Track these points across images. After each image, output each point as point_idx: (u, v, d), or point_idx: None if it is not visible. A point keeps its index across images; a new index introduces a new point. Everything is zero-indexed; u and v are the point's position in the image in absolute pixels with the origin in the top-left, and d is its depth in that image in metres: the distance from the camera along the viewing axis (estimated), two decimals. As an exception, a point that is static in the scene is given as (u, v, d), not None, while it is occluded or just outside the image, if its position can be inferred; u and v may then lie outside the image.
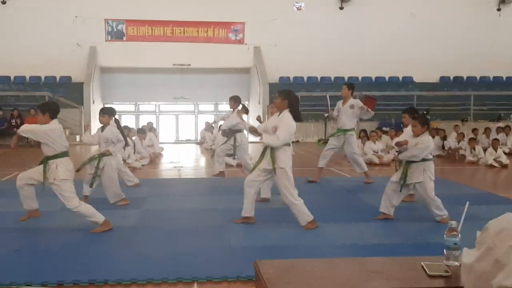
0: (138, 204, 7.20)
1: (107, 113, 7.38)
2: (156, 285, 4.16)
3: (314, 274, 2.03)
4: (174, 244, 5.22)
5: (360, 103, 8.87)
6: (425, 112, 15.74)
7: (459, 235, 2.12)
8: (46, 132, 5.61)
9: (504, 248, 1.56)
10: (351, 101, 8.91)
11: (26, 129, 5.69)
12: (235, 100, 9.58)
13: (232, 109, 9.57)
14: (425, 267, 2.06)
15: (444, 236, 2.17)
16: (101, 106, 20.66)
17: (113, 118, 7.38)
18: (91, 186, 7.09)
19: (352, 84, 9.19)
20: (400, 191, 6.06)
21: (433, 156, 6.95)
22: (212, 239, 5.41)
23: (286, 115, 5.72)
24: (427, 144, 5.96)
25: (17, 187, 5.95)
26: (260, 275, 2.02)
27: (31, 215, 6.13)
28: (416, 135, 6.02)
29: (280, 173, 5.67)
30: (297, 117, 5.81)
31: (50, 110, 5.74)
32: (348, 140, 8.94)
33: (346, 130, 8.92)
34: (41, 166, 5.72)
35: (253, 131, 6.06)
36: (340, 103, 9.09)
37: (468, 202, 2.52)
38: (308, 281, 1.96)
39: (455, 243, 2.05)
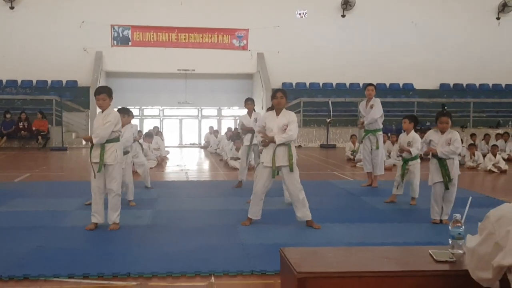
0: (150, 205, 7.47)
1: (127, 113, 7.65)
2: (175, 278, 4.43)
3: (335, 259, 2.31)
4: (189, 241, 5.49)
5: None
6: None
7: (463, 226, 2.40)
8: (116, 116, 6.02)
9: (503, 232, 1.84)
10: (373, 100, 9.21)
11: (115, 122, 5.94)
12: (253, 102, 9.67)
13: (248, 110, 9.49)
14: (432, 254, 2.35)
15: (449, 227, 2.46)
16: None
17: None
18: None
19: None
20: (447, 188, 6.19)
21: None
22: (225, 237, 5.69)
23: (290, 111, 6.17)
24: (458, 137, 6.20)
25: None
26: (287, 260, 2.29)
27: None
28: (445, 130, 6.19)
29: (295, 168, 5.98)
30: None
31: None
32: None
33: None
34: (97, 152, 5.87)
35: (271, 141, 6.01)
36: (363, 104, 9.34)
37: (470, 197, 2.80)
38: (330, 265, 2.23)
39: (459, 233, 2.33)
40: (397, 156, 9.47)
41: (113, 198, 5.95)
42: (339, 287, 2.10)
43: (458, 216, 2.48)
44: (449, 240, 2.44)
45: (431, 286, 2.15)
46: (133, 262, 4.75)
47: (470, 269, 2.03)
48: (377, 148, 9.05)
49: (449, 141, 6.13)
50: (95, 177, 5.89)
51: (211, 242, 5.46)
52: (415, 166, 7.58)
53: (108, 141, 5.85)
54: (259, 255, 4.93)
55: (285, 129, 5.93)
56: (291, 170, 5.94)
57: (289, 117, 5.99)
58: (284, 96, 6.09)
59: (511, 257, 1.82)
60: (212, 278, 4.44)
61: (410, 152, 7.41)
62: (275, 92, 6.18)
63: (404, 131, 7.72)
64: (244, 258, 4.91)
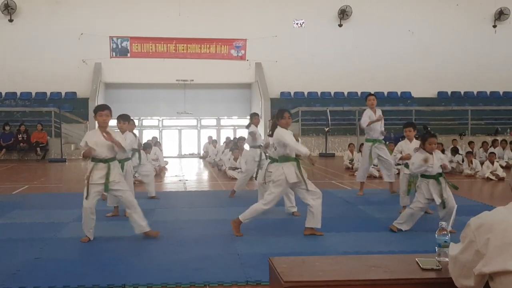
0: (147, 216, 7.41)
1: (127, 119, 7.70)
2: (170, 289, 4.44)
3: (322, 268, 2.33)
4: (185, 251, 5.51)
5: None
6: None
7: (449, 234, 2.43)
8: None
9: (483, 240, 1.87)
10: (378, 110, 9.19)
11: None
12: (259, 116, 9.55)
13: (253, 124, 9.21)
14: (419, 262, 2.37)
15: (436, 235, 2.48)
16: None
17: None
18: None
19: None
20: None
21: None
22: (221, 247, 5.70)
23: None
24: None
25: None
26: (274, 269, 2.32)
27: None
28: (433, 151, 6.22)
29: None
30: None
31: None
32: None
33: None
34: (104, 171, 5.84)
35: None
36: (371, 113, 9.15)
37: (456, 206, 2.83)
38: (317, 274, 2.26)
39: (445, 241, 2.35)
40: (397, 165, 9.41)
41: (136, 209, 5.97)
42: (325, 295, 2.13)
43: (444, 224, 2.51)
44: (436, 248, 2.47)
45: (416, 294, 2.18)
46: (128, 272, 4.77)
47: (454, 277, 2.05)
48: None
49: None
50: (86, 198, 5.82)
51: (207, 252, 5.47)
52: None
53: (112, 160, 5.90)
54: (254, 265, 4.94)
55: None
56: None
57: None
58: (291, 116, 6.27)
59: (491, 264, 1.85)
60: (207, 288, 4.46)
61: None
62: (282, 112, 6.16)
63: (405, 139, 7.72)
64: (239, 268, 4.92)
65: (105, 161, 5.81)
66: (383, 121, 9.15)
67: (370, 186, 10.84)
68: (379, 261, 2.41)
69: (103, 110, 5.92)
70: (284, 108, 6.39)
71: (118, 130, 7.51)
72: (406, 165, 7.47)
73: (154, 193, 8.99)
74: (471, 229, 1.94)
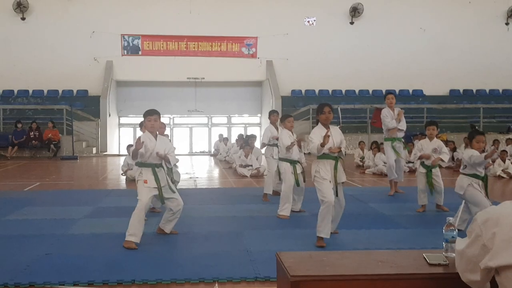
0: (157, 213, 7.51)
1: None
2: (179, 285, 4.46)
3: (329, 263, 2.33)
4: (195, 248, 5.53)
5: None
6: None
7: (456, 230, 2.42)
8: None
9: (489, 234, 1.86)
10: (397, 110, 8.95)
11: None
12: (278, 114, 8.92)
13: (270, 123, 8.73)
14: (426, 257, 2.37)
15: (443, 230, 2.47)
16: (117, 119, 21.30)
17: None
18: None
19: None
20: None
21: (444, 167, 7.25)
22: (231, 244, 5.71)
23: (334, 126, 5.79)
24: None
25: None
26: (282, 264, 2.32)
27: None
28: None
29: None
30: None
31: None
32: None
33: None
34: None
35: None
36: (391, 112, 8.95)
37: (464, 201, 2.82)
38: (324, 268, 2.25)
39: (453, 237, 2.34)
40: (412, 163, 9.29)
41: (179, 214, 5.96)
42: (332, 289, 2.13)
43: (451, 219, 2.50)
44: (443, 243, 2.46)
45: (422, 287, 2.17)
46: (138, 269, 4.79)
47: (460, 272, 2.05)
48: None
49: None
50: (147, 199, 5.61)
51: (217, 248, 5.49)
52: (438, 172, 7.50)
53: (160, 166, 5.70)
54: (263, 262, 4.94)
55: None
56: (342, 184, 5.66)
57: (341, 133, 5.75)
58: (332, 111, 5.69)
59: (497, 258, 1.84)
60: (216, 284, 4.46)
61: (442, 160, 7.32)
62: (322, 106, 5.68)
63: (425, 138, 7.61)
64: (248, 264, 4.92)
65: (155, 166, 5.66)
66: (403, 119, 8.93)
67: (380, 183, 10.82)
68: (387, 256, 2.40)
69: (151, 115, 5.65)
70: (326, 102, 5.87)
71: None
72: (423, 164, 7.44)
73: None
74: (478, 223, 1.94)
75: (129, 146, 8.62)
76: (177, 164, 7.44)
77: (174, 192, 5.78)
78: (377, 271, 2.22)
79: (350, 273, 2.20)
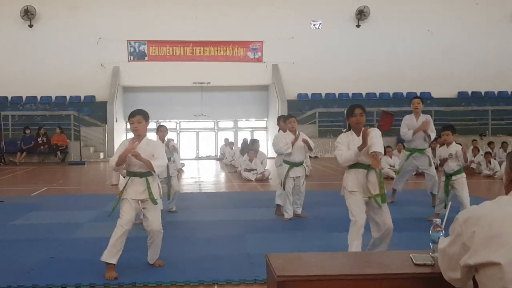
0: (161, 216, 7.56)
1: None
2: (179, 287, 4.50)
3: (317, 264, 2.36)
4: (196, 251, 5.57)
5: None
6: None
7: (443, 231, 2.44)
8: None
9: (469, 233, 1.90)
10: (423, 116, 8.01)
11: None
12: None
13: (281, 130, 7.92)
14: (412, 258, 2.39)
15: (430, 231, 2.50)
16: (124, 124, 21.41)
17: None
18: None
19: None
20: None
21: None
22: (231, 247, 5.75)
23: (374, 128, 4.94)
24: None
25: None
26: (270, 265, 2.35)
27: None
28: None
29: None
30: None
31: None
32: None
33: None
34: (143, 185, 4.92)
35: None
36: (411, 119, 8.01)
37: (450, 202, 2.84)
38: (311, 269, 2.28)
39: (439, 237, 2.36)
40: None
41: (158, 238, 5.03)
42: (318, 290, 2.16)
43: (438, 220, 2.53)
44: (430, 244, 2.48)
45: (407, 287, 2.20)
46: (138, 271, 4.84)
47: (442, 270, 2.08)
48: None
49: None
50: (127, 215, 4.85)
51: (217, 252, 5.53)
52: (461, 180, 6.82)
53: (151, 174, 4.95)
54: (263, 264, 4.86)
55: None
56: (383, 201, 4.75)
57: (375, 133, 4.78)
58: (364, 113, 4.85)
59: (476, 256, 1.87)
60: (215, 287, 4.50)
61: (468, 162, 6.98)
62: (353, 108, 4.84)
63: (442, 144, 7.20)
64: (248, 267, 4.96)
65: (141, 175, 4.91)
66: (433, 128, 7.93)
67: (385, 186, 10.78)
68: (374, 257, 2.43)
69: (133, 116, 4.90)
70: (357, 104, 5.00)
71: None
72: (444, 172, 6.92)
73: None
74: (459, 222, 1.97)
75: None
76: (179, 172, 7.31)
77: (156, 203, 4.92)
78: (363, 271, 2.25)
79: (336, 273, 2.23)
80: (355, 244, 4.53)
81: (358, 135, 4.74)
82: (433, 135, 7.91)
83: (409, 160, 8.06)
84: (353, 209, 4.71)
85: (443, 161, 6.86)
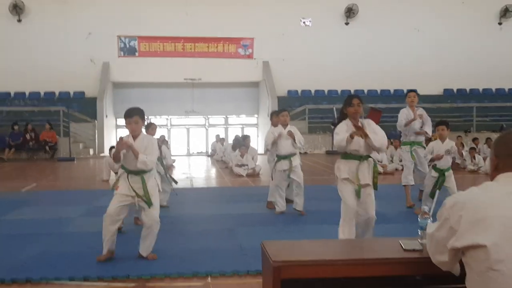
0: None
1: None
2: (173, 279, 4.58)
3: (311, 250, 2.45)
4: (189, 244, 5.65)
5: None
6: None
7: (431, 218, 2.54)
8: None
9: (456, 217, 2.00)
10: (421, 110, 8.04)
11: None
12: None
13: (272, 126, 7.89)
14: (401, 244, 2.50)
15: (418, 218, 2.60)
16: (113, 120, 21.38)
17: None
18: None
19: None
20: None
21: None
22: (224, 240, 5.83)
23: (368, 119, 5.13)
24: None
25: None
26: (266, 252, 2.44)
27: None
28: None
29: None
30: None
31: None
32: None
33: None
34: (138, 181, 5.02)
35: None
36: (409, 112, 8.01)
37: (438, 191, 2.95)
38: (306, 255, 2.38)
39: (427, 224, 2.46)
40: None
41: (155, 229, 5.10)
42: (312, 273, 2.25)
43: (426, 208, 2.63)
44: (418, 231, 2.58)
45: (397, 271, 2.30)
46: (132, 264, 4.90)
47: (431, 254, 2.18)
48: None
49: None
50: (113, 207, 4.98)
51: (211, 244, 5.60)
52: (451, 175, 6.95)
53: (138, 173, 5.01)
54: (255, 256, 4.98)
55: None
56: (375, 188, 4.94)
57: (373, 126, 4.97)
58: (362, 103, 4.95)
59: (462, 239, 1.97)
60: (209, 278, 4.58)
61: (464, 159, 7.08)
62: (350, 98, 4.96)
63: (435, 139, 7.20)
64: (240, 259, 5.04)
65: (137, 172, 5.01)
66: (427, 120, 7.96)
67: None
68: (366, 243, 2.53)
69: (131, 116, 5.04)
70: (354, 94, 5.38)
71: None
72: (435, 167, 7.00)
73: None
74: (446, 207, 2.07)
75: (111, 148, 8.06)
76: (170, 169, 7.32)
77: (151, 204, 4.99)
78: (355, 256, 2.35)
79: (330, 258, 2.32)
80: (347, 230, 4.65)
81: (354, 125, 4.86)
82: (429, 130, 7.96)
83: (413, 152, 7.93)
84: (345, 196, 4.84)
85: (439, 157, 6.86)
